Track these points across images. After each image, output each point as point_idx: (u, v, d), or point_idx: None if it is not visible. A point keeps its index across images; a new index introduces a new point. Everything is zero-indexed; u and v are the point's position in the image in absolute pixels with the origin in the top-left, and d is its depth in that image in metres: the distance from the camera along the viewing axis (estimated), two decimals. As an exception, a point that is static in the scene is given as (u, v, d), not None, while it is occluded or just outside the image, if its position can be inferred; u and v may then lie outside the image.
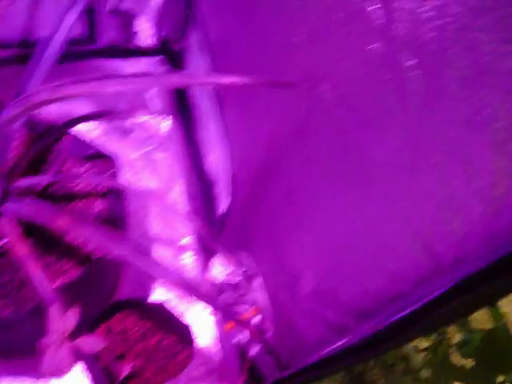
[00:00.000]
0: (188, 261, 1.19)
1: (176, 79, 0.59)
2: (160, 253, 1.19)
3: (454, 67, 0.41)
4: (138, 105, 1.30)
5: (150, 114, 1.31)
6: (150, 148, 1.28)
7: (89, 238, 0.86)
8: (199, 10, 1.04)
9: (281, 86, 0.59)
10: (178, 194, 1.24)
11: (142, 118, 1.30)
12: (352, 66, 0.50)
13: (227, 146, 0.95)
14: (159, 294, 1.09)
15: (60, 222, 0.85)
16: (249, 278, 0.90)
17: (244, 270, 0.90)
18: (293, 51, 0.59)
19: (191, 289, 0.74)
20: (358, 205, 0.55)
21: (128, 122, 1.30)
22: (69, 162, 1.07)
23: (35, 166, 1.04)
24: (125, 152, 1.27)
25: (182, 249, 1.20)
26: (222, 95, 0.97)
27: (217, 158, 1.02)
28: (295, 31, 0.58)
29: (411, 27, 0.44)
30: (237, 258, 0.92)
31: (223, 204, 1.03)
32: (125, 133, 1.29)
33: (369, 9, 0.47)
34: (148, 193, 1.26)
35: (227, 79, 0.54)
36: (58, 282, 0.93)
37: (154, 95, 1.28)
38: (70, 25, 0.92)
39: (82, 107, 1.26)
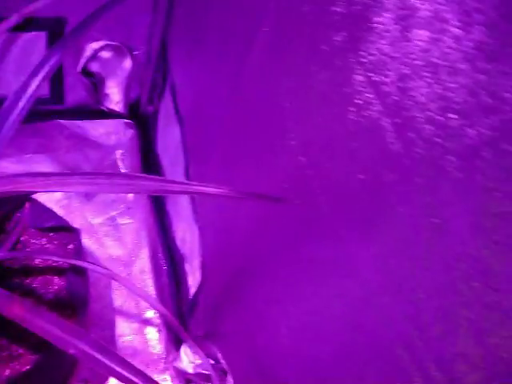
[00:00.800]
0: (152, 336, 1.12)
1: (152, 184, 0.54)
2: (122, 326, 1.12)
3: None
4: (105, 165, 1.23)
5: (117, 176, 1.24)
6: (115, 213, 1.21)
7: (44, 329, 0.79)
8: (171, 78, 0.99)
9: (269, 201, 0.54)
10: (143, 265, 1.17)
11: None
12: (357, 187, 0.45)
13: (196, 229, 0.89)
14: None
15: (14, 311, 0.78)
16: (220, 372, 0.83)
17: (214, 363, 0.84)
18: (281, 155, 0.54)
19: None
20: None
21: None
22: (28, 233, 1.00)
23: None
24: (88, 216, 1.20)
25: (146, 323, 1.13)
26: (190, 171, 0.92)
27: (186, 237, 0.96)
28: (288, 133, 0.53)
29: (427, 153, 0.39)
30: (206, 351, 0.85)
31: (192, 288, 0.96)
32: (88, 196, 1.21)
33: (387, 132, 0.42)
34: (110, 261, 1.18)
35: (205, 189, 0.49)
36: (9, 371, 0.86)
37: (123, 156, 1.22)
38: (35, 86, 0.87)
39: (42, 168, 1.19)
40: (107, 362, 0.69)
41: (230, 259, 0.74)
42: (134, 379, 0.66)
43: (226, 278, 0.76)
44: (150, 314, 1.13)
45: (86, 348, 0.70)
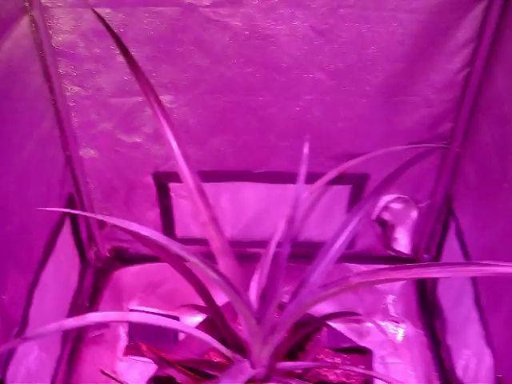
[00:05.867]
0: None
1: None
2: None
3: None
4: (378, 309, 1.37)
5: (388, 319, 1.37)
6: (385, 353, 1.32)
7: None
8: (457, 225, 1.14)
9: None
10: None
11: (379, 323, 1.36)
12: None
13: (488, 351, 0.96)
14: None
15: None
16: None
17: None
18: None
19: None
20: None
21: (365, 326, 1.36)
22: (324, 352, 1.14)
23: (294, 351, 1.13)
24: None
25: None
26: (481, 300, 1.01)
27: (470, 363, 1.03)
28: None
29: None
30: None
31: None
32: (361, 335, 1.34)
33: None
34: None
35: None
36: None
37: (394, 302, 1.36)
38: (350, 230, 1.06)
39: (326, 308, 1.37)
40: None
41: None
42: None
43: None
44: None
45: None
